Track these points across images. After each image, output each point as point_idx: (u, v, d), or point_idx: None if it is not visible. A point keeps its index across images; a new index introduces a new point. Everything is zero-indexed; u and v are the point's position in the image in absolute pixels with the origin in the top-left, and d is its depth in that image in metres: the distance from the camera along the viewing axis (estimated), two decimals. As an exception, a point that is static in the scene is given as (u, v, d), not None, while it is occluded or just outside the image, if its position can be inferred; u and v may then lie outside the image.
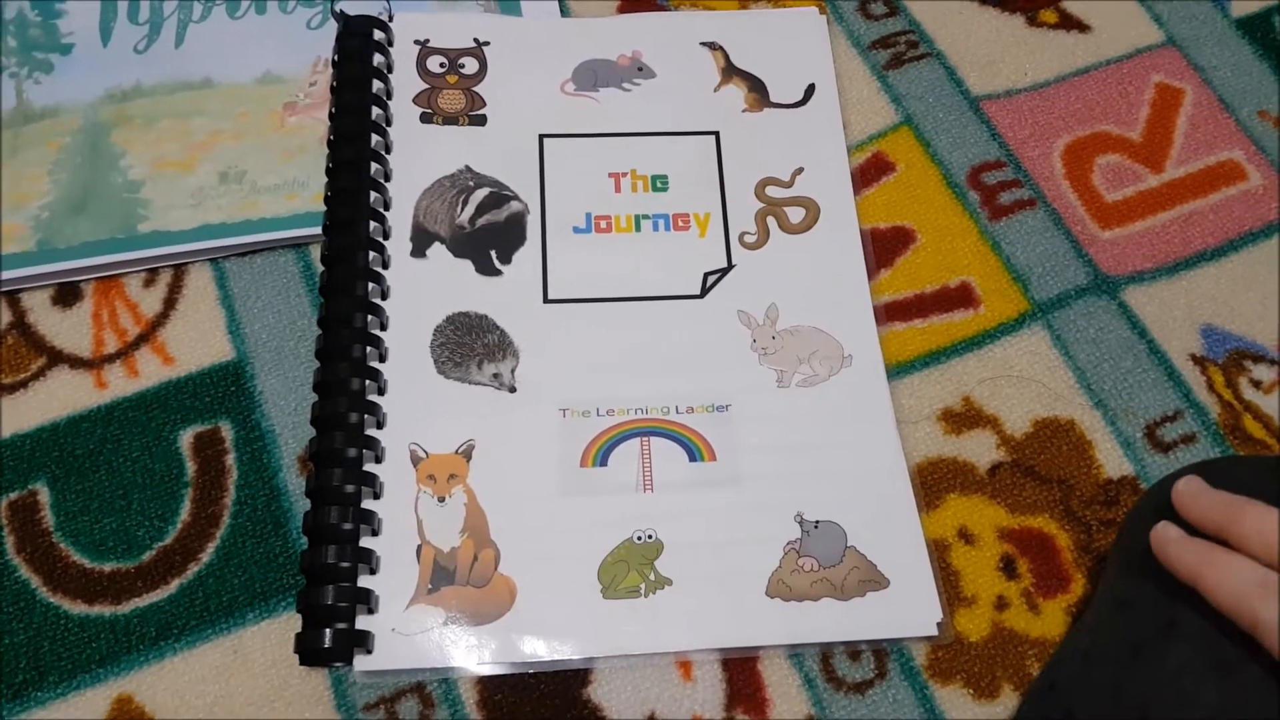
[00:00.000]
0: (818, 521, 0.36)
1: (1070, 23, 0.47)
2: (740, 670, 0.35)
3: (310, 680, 0.35)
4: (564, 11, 0.47)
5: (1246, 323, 0.40)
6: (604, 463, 0.37)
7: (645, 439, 0.38)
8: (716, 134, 0.44)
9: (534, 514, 0.36)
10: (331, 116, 0.41)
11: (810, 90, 0.45)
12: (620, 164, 0.43)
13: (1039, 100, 0.45)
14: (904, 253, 0.42)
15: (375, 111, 0.42)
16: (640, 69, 0.45)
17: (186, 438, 0.38)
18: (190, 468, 0.38)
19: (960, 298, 0.41)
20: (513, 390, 0.38)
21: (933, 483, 0.38)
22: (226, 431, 0.39)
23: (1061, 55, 0.46)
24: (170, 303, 0.41)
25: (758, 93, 0.44)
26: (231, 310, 0.41)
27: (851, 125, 0.44)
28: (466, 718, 0.34)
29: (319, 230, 0.41)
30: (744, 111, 0.44)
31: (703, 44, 0.46)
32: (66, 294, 0.41)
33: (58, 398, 0.39)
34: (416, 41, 0.45)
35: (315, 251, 0.42)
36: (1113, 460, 0.38)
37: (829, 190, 0.42)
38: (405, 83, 0.44)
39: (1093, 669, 0.29)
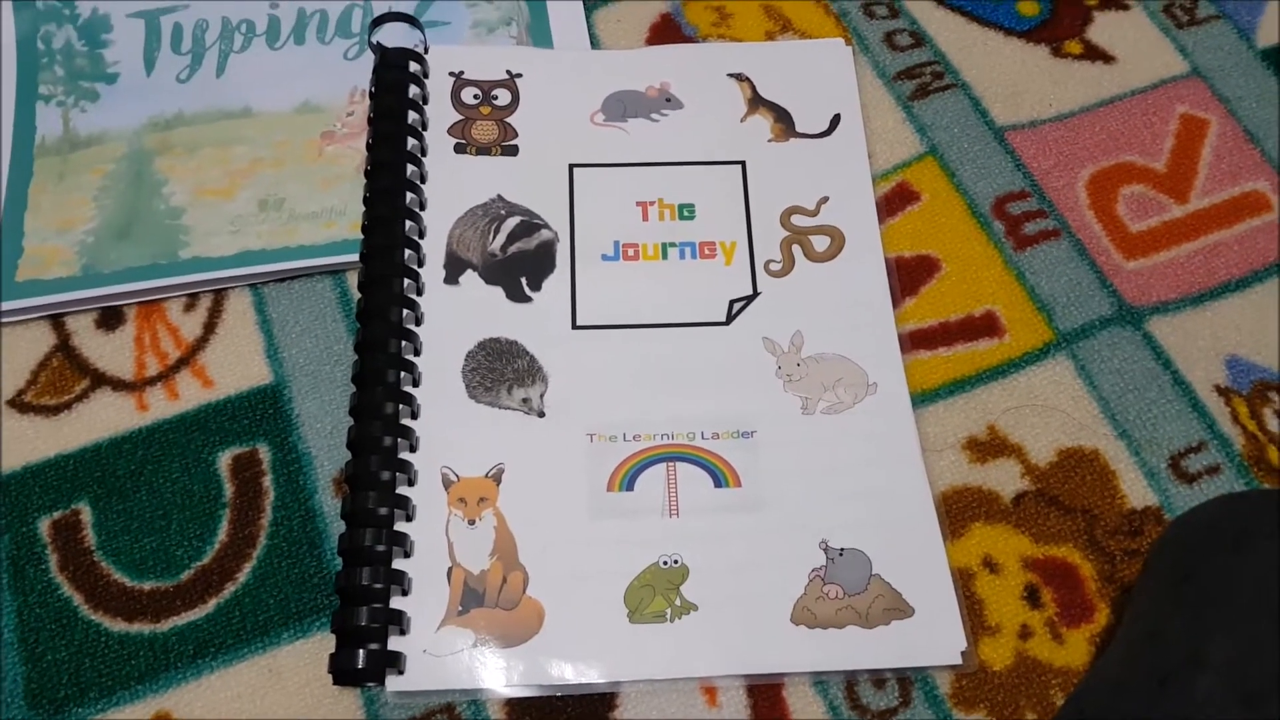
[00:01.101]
0: (843, 549, 0.37)
1: (1095, 54, 0.47)
2: (765, 697, 0.35)
3: (343, 700, 0.36)
4: (594, 43, 0.48)
5: (1271, 354, 0.40)
6: (630, 487, 0.38)
7: (671, 464, 0.38)
8: (743, 164, 0.44)
9: (562, 537, 0.37)
10: (369, 146, 0.42)
11: (836, 120, 0.45)
12: (648, 193, 0.44)
13: (1064, 131, 0.45)
14: (929, 281, 0.42)
15: (411, 142, 0.43)
16: (668, 100, 0.46)
17: (225, 459, 0.39)
18: (228, 489, 0.39)
19: (985, 327, 0.41)
20: (541, 415, 0.39)
21: (957, 511, 0.38)
22: (264, 453, 0.39)
23: (1086, 86, 0.46)
24: (210, 327, 0.42)
25: (784, 123, 0.45)
26: (270, 334, 0.42)
27: (877, 155, 0.45)
28: (495, 739, 0.35)
29: (355, 257, 0.42)
30: (770, 141, 0.45)
31: (730, 75, 0.46)
32: (109, 318, 0.42)
33: (100, 419, 0.40)
34: (451, 74, 0.46)
35: (352, 278, 0.43)
36: (1137, 491, 0.38)
37: (854, 219, 0.43)
38: (440, 114, 0.45)
39: (1121, 700, 0.29)
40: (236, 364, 0.41)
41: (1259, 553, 0.28)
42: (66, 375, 0.41)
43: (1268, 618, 0.27)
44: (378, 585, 0.35)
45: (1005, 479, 0.38)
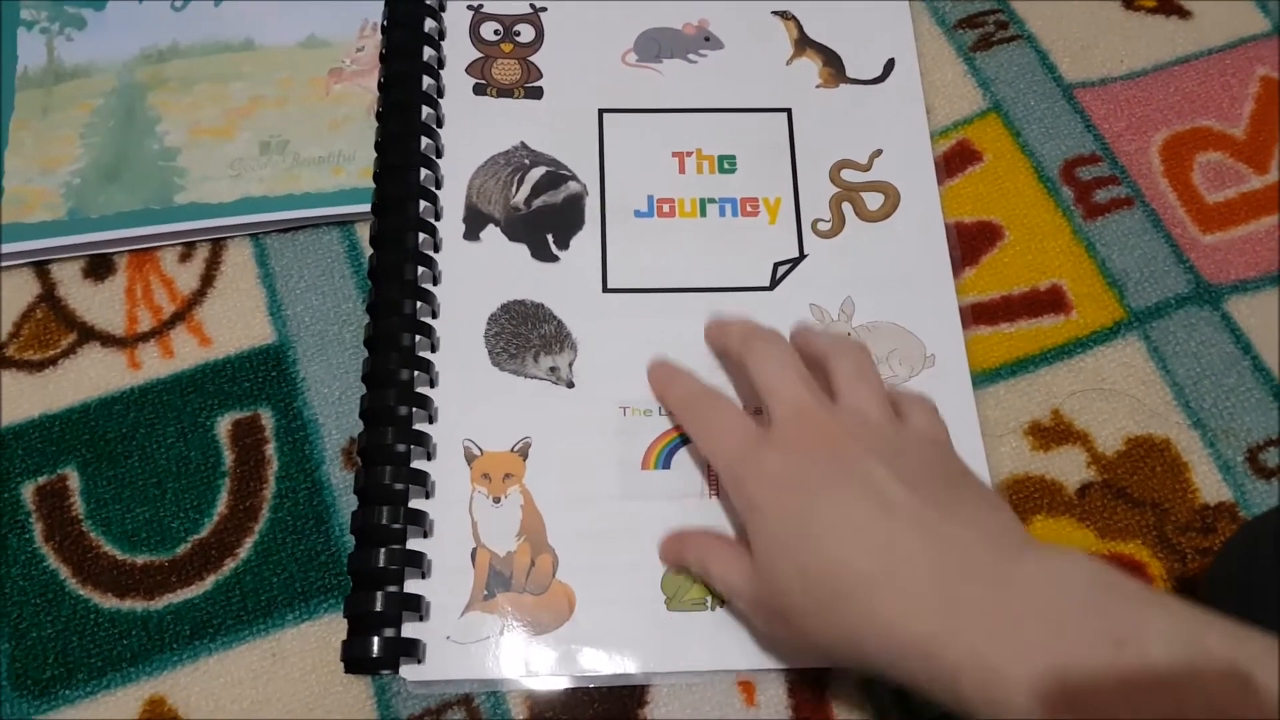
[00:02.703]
0: (895, 537, 0.34)
1: (1170, 8, 0.43)
2: (807, 696, 0.33)
3: (352, 687, 0.33)
4: (627, -23, 0.44)
5: (1357, 338, 0.37)
6: (667, 465, 0.35)
7: (710, 441, 0.36)
8: (788, 111, 0.41)
9: (594, 518, 0.34)
10: (381, 87, 0.39)
11: (890, 66, 0.42)
12: (685, 142, 0.40)
13: (1136, 90, 0.42)
14: (990, 250, 0.39)
15: (426, 81, 0.39)
16: (707, 38, 0.42)
17: (224, 424, 0.36)
18: (228, 457, 0.36)
19: (1051, 302, 0.38)
20: (570, 385, 0.36)
21: (1018, 502, 0.35)
22: (267, 419, 0.36)
23: (1160, 42, 0.43)
24: (208, 279, 0.38)
25: (833, 67, 0.41)
26: (273, 290, 0.38)
27: (935, 110, 0.41)
28: (516, 733, 0.32)
29: (365, 207, 0.38)
30: (818, 87, 0.41)
31: (774, 13, 0.42)
32: (98, 266, 0.39)
33: (89, 377, 0.37)
34: (470, 6, 0.42)
35: (360, 230, 0.39)
36: (1210, 484, 0.35)
37: (910, 175, 0.40)
38: (457, 51, 0.41)
39: None
40: (236, 321, 0.38)
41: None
42: (52, 328, 0.38)
43: None
44: (394, 568, 0.32)
45: (1070, 468, 0.36)
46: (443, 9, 0.42)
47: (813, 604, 0.27)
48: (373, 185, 0.38)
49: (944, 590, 0.25)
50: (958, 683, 0.24)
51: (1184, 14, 0.43)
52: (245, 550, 0.34)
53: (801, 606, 0.28)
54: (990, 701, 0.24)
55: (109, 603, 0.34)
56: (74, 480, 0.35)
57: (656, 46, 0.42)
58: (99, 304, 0.38)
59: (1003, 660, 0.24)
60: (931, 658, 0.25)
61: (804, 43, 0.42)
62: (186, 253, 0.39)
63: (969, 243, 0.39)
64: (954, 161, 0.40)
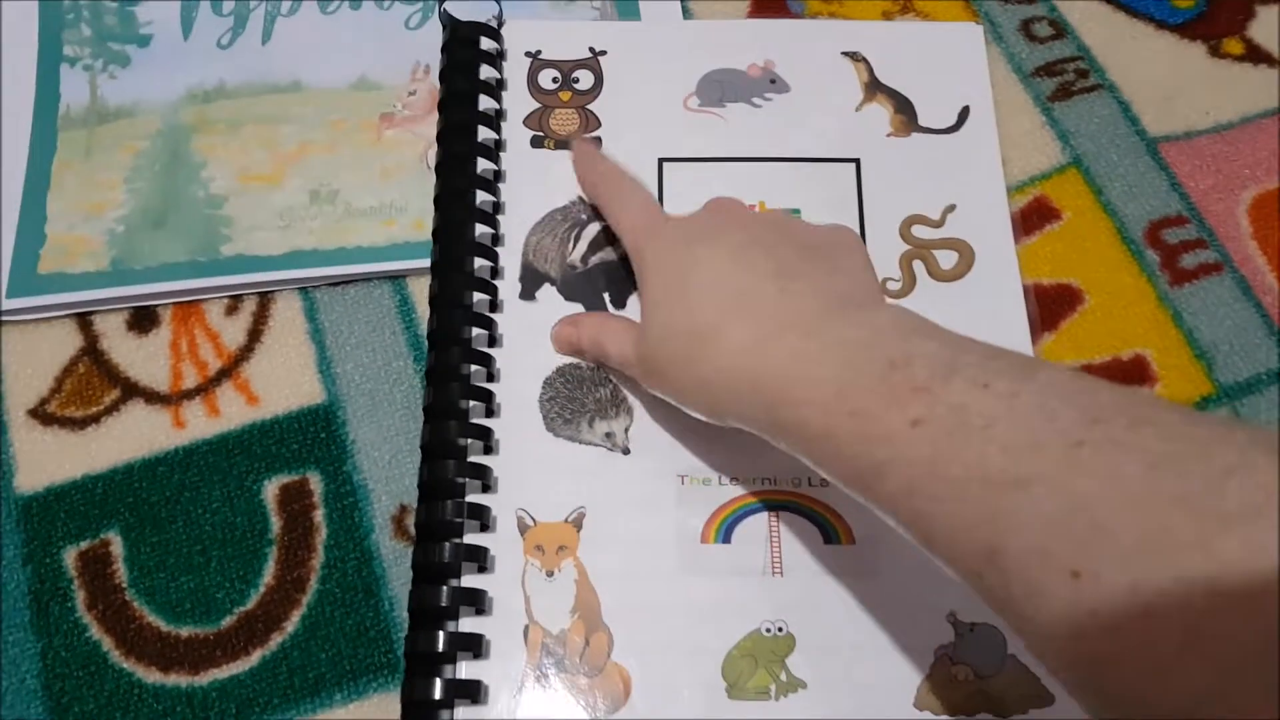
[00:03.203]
0: (974, 624, 0.33)
1: (1258, 55, 0.41)
2: (870, 787, 0.31)
3: (403, 770, 0.32)
4: (686, 15, 0.42)
5: None
6: (727, 539, 0.34)
7: (774, 514, 0.34)
8: (857, 161, 0.39)
9: (651, 595, 0.33)
10: (439, 138, 0.37)
11: (964, 114, 0.40)
12: (747, 194, 0.38)
13: (1222, 145, 0.40)
14: (1070, 315, 0.37)
15: (484, 133, 0.38)
16: (773, 81, 0.40)
17: (272, 489, 0.35)
18: (275, 523, 0.35)
19: (1134, 373, 0.36)
20: (626, 452, 0.35)
21: (1097, 583, 0.34)
22: (315, 484, 0.35)
23: (1248, 93, 0.41)
24: (255, 334, 0.37)
25: (905, 114, 0.40)
26: (322, 346, 0.37)
27: (1011, 162, 0.39)
28: (572, 820, 0.31)
29: (419, 262, 0.37)
30: (889, 135, 0.39)
31: (844, 54, 0.41)
32: (142, 318, 0.38)
33: (132, 436, 0.36)
34: (528, 53, 0.40)
35: (413, 284, 0.38)
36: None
37: (985, 233, 0.38)
38: (516, 101, 0.40)
39: None
40: (285, 378, 0.36)
41: None
42: (95, 383, 0.36)
43: None
44: (450, 651, 0.31)
45: (1150, 547, 0.34)
46: (502, 57, 0.40)
47: (679, 355, 0.30)
48: (425, 239, 0.36)
49: (767, 339, 0.28)
50: (775, 417, 0.27)
51: (1272, 62, 0.41)
52: (292, 624, 0.33)
53: (669, 358, 0.30)
54: (797, 429, 0.27)
55: (153, 677, 0.33)
56: (117, 545, 0.34)
57: (720, 90, 0.40)
58: (143, 358, 0.37)
59: (803, 393, 0.27)
60: (757, 393, 0.28)
61: (874, 86, 0.40)
62: (233, 305, 0.38)
63: (1047, 306, 0.37)
64: (1031, 219, 0.39)
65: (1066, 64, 0.41)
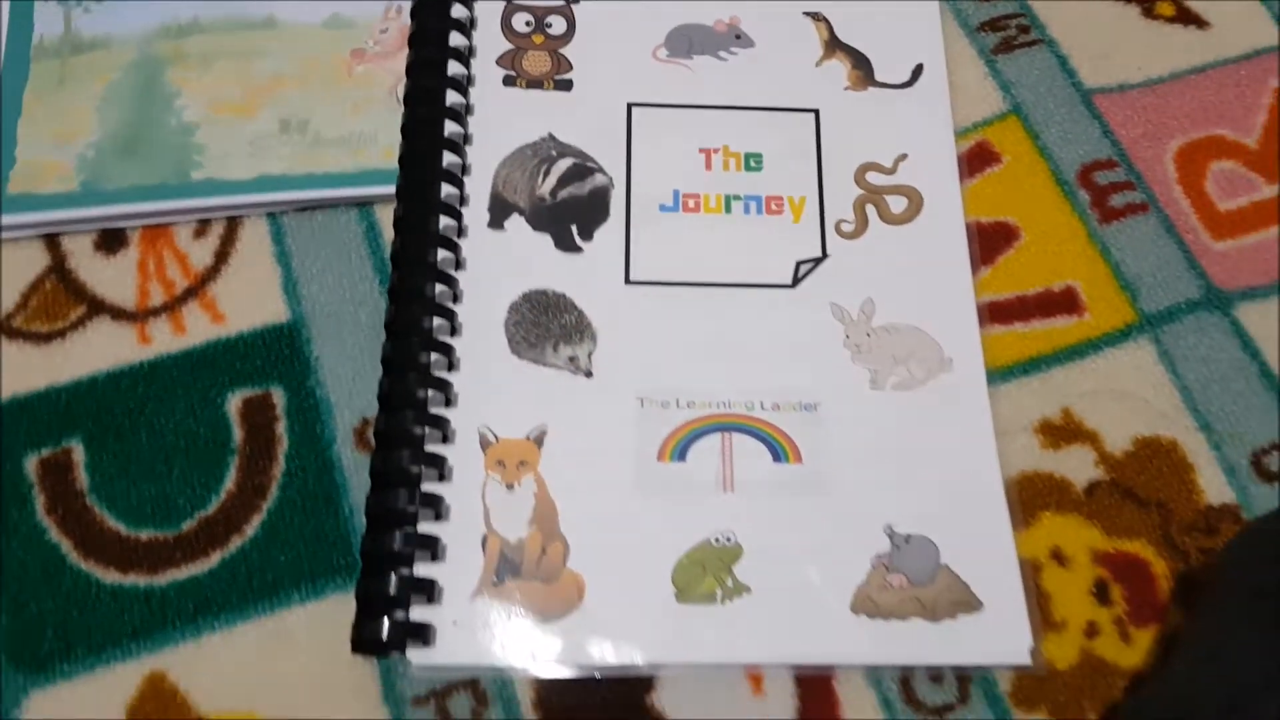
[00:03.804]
0: (909, 535, 0.34)
1: (1188, 17, 0.44)
2: (814, 687, 0.33)
3: (357, 668, 0.33)
4: (652, -29, 0.44)
5: (1367, 350, 0.38)
6: (682, 457, 0.35)
7: (727, 435, 0.35)
8: (816, 112, 0.41)
9: (607, 508, 0.34)
10: (408, 71, 0.38)
11: (918, 71, 0.42)
12: (712, 139, 0.40)
13: (1153, 97, 0.42)
14: (1007, 250, 0.39)
15: (455, 68, 0.39)
16: (738, 36, 0.42)
17: (235, 402, 0.36)
18: (237, 434, 0.35)
19: (1064, 303, 0.38)
20: (589, 375, 0.36)
21: (1028, 499, 0.35)
22: (278, 397, 0.36)
23: (1177, 51, 0.43)
24: (222, 256, 0.38)
25: (862, 70, 0.42)
26: (288, 268, 0.38)
27: (956, 110, 0.41)
28: (521, 718, 0.32)
29: (385, 189, 0.38)
30: (846, 89, 0.41)
31: (806, 14, 0.43)
32: (110, 239, 0.38)
33: (97, 350, 0.36)
34: (502, -3, 0.42)
35: (380, 211, 0.39)
36: (1215, 486, 0.36)
37: (934, 180, 0.40)
38: (488, 42, 0.41)
39: None
40: (250, 298, 0.37)
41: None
42: (61, 300, 0.37)
43: None
44: (407, 551, 0.32)
45: (1079, 467, 0.36)
46: (474, -2, 0.42)
47: None
48: (394, 167, 0.38)
49: None
50: None
51: (1202, 24, 0.44)
52: (252, 528, 0.34)
53: None
54: None
55: (111, 577, 0.33)
56: (79, 454, 0.35)
57: (687, 43, 0.42)
58: (110, 277, 0.38)
59: None
60: None
61: (834, 44, 0.42)
62: (201, 229, 0.38)
63: (986, 242, 0.39)
64: (973, 162, 0.41)
65: (1009, 20, 0.43)
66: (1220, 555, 0.32)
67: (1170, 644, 0.33)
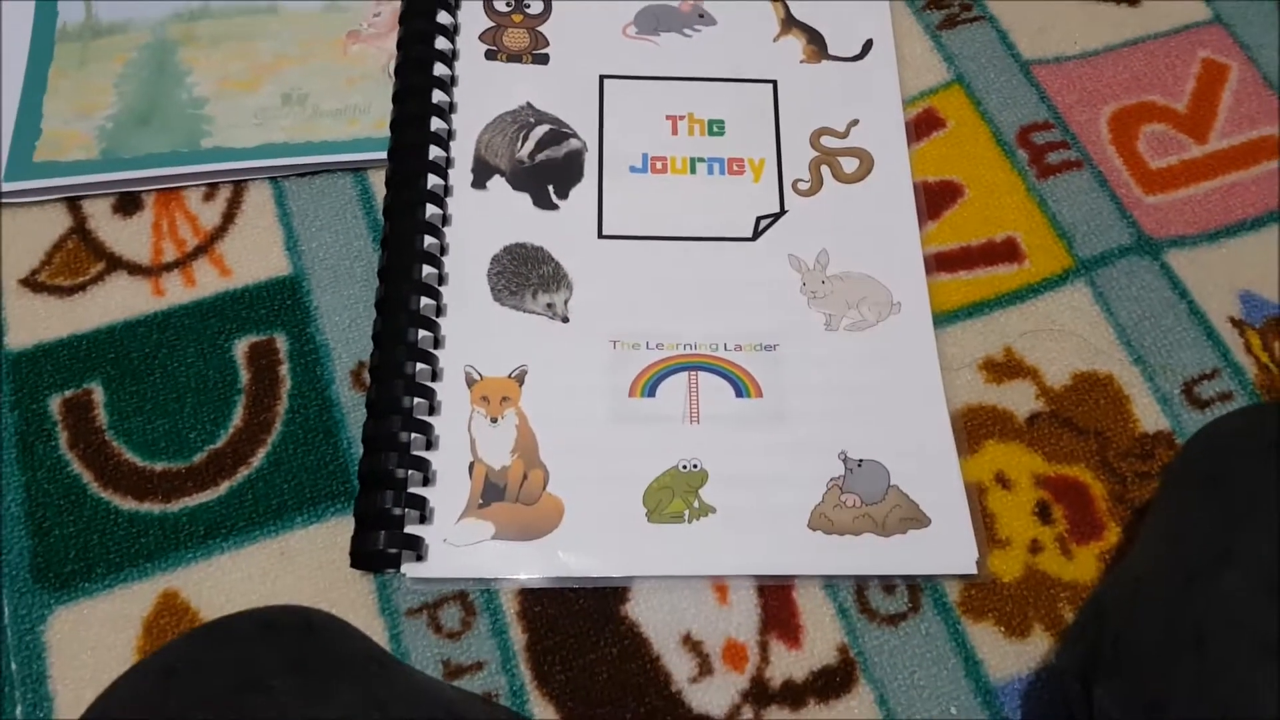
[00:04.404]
0: (861, 460, 0.37)
1: (1120, -3, 0.48)
2: (775, 597, 0.36)
3: (355, 584, 0.35)
4: (624, -39, 0.48)
5: (1285, 291, 0.41)
6: (652, 394, 0.38)
7: (693, 373, 0.38)
8: (774, 83, 0.44)
9: (583, 439, 0.37)
10: (399, 44, 0.42)
11: (868, 45, 0.45)
12: (678, 107, 0.43)
13: (1088, 68, 0.45)
14: (952, 206, 0.42)
15: (441, 43, 0.42)
16: (701, 16, 0.45)
17: (241, 347, 0.39)
18: (244, 375, 0.38)
19: (1006, 252, 0.41)
20: (565, 320, 0.39)
21: (973, 429, 0.38)
22: (281, 343, 0.39)
23: (1111, 26, 0.47)
24: (229, 217, 0.41)
25: (816, 45, 0.45)
26: (289, 227, 0.41)
27: (904, 81, 0.45)
28: (506, 627, 0.35)
29: (378, 155, 0.41)
30: (802, 62, 0.45)
31: (763, -5, 0.46)
32: (127, 203, 0.42)
33: (115, 301, 0.40)
34: (483, -21, 0.46)
35: (373, 176, 0.42)
36: (1150, 415, 0.39)
37: (883, 143, 0.43)
38: (471, 20, 0.45)
39: (1144, 597, 0.30)
40: (255, 254, 0.41)
41: (1288, 456, 0.29)
42: (82, 257, 0.40)
43: None
44: (400, 471, 0.35)
45: (1020, 399, 0.39)
46: (458, -20, 0.45)
47: None
48: (386, 136, 0.41)
49: None
50: None
51: (1134, 1, 0.47)
52: (258, 459, 0.37)
53: None
54: None
55: (128, 504, 0.36)
56: (99, 394, 0.38)
57: (655, 21, 0.45)
58: (127, 237, 0.41)
59: None
60: None
61: (790, 22, 0.46)
62: (210, 193, 0.42)
63: (933, 199, 0.42)
64: (921, 127, 0.44)
65: (953, -1, 0.47)
66: (1180, 451, 0.34)
67: (1117, 557, 0.36)
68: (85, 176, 0.41)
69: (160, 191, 0.42)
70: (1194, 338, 0.40)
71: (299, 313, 0.40)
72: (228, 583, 0.35)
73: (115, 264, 0.40)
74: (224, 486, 0.37)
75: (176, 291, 0.40)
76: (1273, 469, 0.29)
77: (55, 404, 0.38)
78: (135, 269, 0.40)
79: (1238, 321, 0.40)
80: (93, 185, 0.41)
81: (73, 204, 0.41)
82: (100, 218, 0.41)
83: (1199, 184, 0.43)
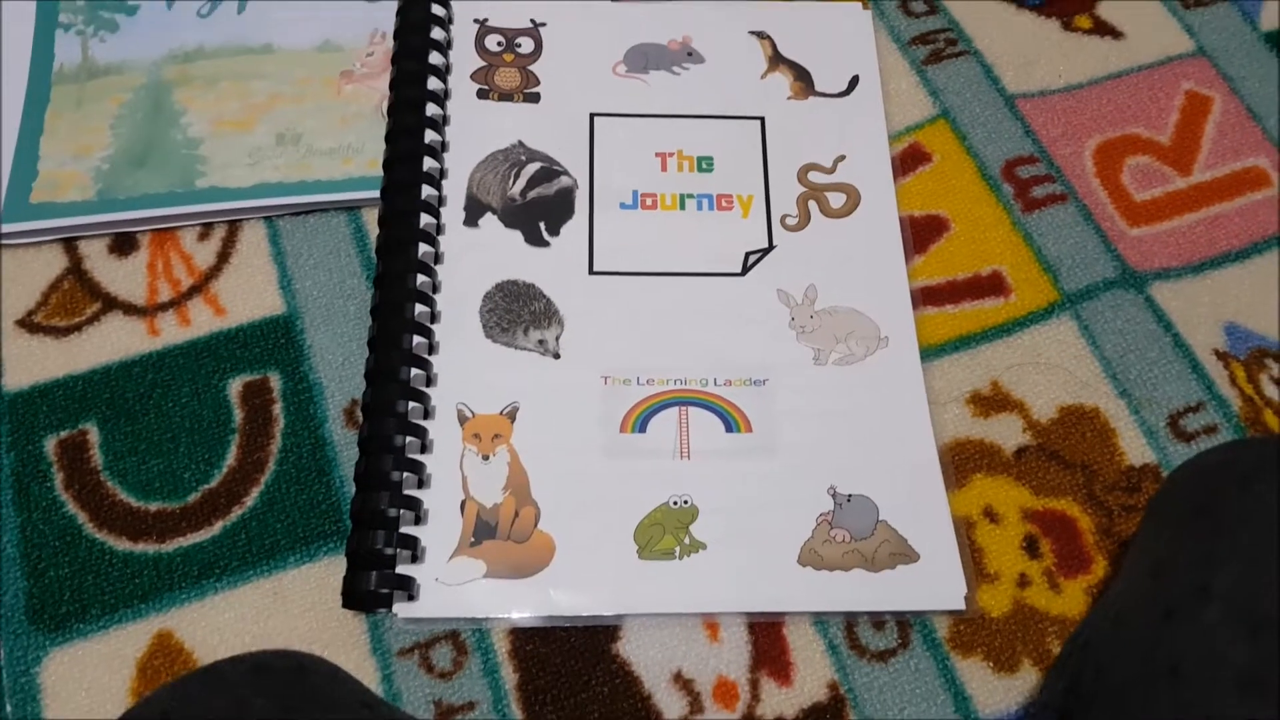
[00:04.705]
0: (850, 495, 0.37)
1: (1104, 29, 0.48)
2: (766, 634, 0.36)
3: (347, 624, 0.36)
4: (614, -2, 0.48)
5: (1270, 322, 0.41)
6: (643, 429, 0.38)
7: (684, 408, 0.39)
8: (762, 119, 0.45)
9: (574, 475, 0.37)
10: (391, 84, 0.42)
11: (854, 81, 0.46)
12: (668, 144, 0.44)
13: (1072, 101, 0.46)
14: (938, 240, 0.43)
15: (433, 83, 0.43)
16: (690, 54, 0.46)
17: (235, 386, 0.39)
18: (238, 415, 0.39)
19: (992, 286, 0.42)
20: (557, 356, 0.39)
21: (960, 462, 0.39)
22: (275, 382, 0.39)
23: (1095, 60, 0.47)
24: (224, 256, 0.42)
25: (803, 81, 0.46)
26: (283, 267, 0.42)
27: (890, 116, 0.45)
28: (498, 666, 0.35)
29: (371, 194, 0.42)
30: (789, 99, 0.45)
31: (751, 33, 0.47)
32: (123, 243, 0.42)
33: (110, 342, 0.40)
34: (475, 20, 0.46)
35: (367, 215, 0.43)
36: (1135, 448, 0.39)
37: (870, 178, 0.44)
38: (463, 60, 0.45)
39: (1124, 629, 0.30)
40: (249, 294, 0.41)
41: (1269, 492, 0.29)
42: (78, 298, 0.41)
43: (1276, 550, 0.28)
44: (392, 511, 0.35)
45: (1007, 433, 0.39)
46: (450, 21, 0.46)
47: None
48: (379, 174, 0.41)
49: None
50: None
51: (1117, 34, 0.48)
52: (252, 499, 0.37)
53: None
54: None
55: (123, 545, 0.37)
56: (94, 435, 0.38)
57: (644, 59, 0.46)
58: (122, 277, 0.41)
59: None
60: None
61: (777, 59, 0.46)
62: (205, 233, 0.42)
63: (919, 233, 0.43)
64: (907, 161, 0.45)
65: (938, 34, 0.48)
66: (1163, 484, 0.35)
67: (1104, 589, 0.36)
68: (82, 218, 0.41)
69: (156, 231, 0.42)
70: (1179, 370, 0.40)
71: (293, 351, 0.40)
72: (221, 623, 0.36)
73: (111, 304, 0.41)
74: (218, 526, 0.37)
75: (171, 331, 0.40)
76: (1252, 503, 0.29)
77: (51, 445, 0.38)
78: (130, 309, 0.41)
79: (1222, 354, 0.41)
80: (89, 226, 0.41)
81: (69, 244, 0.42)
82: (96, 258, 0.42)
83: (1183, 216, 0.44)
